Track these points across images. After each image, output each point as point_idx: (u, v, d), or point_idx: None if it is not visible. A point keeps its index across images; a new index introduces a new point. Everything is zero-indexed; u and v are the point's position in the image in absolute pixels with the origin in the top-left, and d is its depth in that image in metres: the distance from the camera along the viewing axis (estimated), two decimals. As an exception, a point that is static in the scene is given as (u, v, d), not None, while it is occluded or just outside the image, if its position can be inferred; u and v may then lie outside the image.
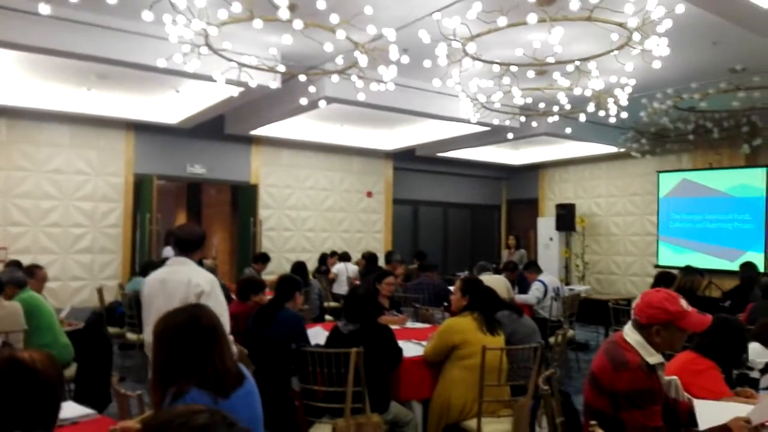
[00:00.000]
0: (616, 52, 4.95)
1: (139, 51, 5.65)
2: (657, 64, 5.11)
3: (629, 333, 2.36)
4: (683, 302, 2.34)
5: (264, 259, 8.33)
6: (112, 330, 6.56)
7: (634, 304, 2.46)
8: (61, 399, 1.47)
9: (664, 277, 5.78)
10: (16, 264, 5.80)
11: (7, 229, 7.99)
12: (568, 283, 10.89)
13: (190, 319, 2.02)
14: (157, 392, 1.97)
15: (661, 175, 10.43)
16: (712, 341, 2.71)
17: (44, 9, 3.83)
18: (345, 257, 9.20)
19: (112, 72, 6.44)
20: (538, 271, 7.24)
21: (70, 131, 8.42)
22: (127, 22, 5.44)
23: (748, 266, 6.90)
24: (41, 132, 8.23)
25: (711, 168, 9.79)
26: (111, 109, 8.07)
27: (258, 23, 4.24)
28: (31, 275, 4.97)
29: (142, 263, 7.75)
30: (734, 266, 8.36)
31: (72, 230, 8.44)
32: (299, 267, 7.74)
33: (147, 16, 4.13)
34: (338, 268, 8.93)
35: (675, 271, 6.07)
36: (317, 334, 4.28)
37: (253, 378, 2.13)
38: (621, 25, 4.51)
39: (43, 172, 8.25)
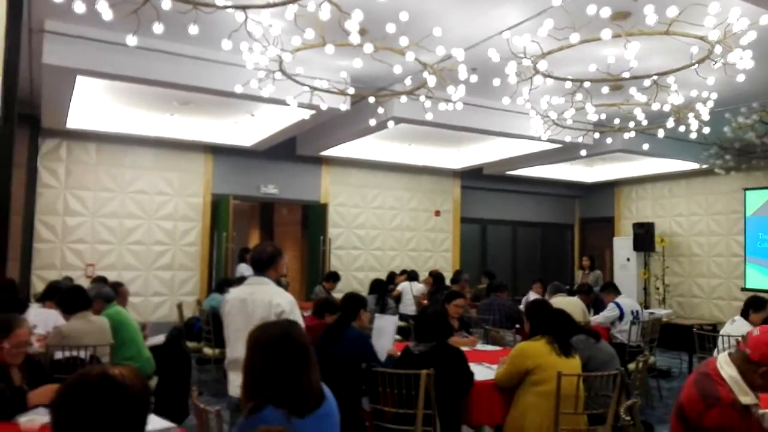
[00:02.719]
0: (696, 65, 4.74)
1: (217, 78, 5.93)
2: (741, 78, 4.86)
3: (725, 366, 2.21)
4: None
5: (335, 278, 8.44)
6: (190, 344, 6.81)
7: (745, 336, 2.27)
8: (148, 413, 1.53)
9: (756, 302, 5.42)
10: (102, 280, 6.16)
11: (95, 247, 8.50)
12: (647, 307, 10.39)
13: (285, 334, 2.06)
14: (247, 399, 2.01)
15: (747, 192, 9.84)
16: None
17: (131, 41, 4.08)
18: (412, 276, 9.17)
19: (193, 98, 6.77)
20: (616, 292, 6.94)
21: (153, 154, 8.91)
22: (207, 50, 5.72)
23: None
24: (126, 155, 8.75)
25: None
26: (191, 133, 8.49)
27: (330, 48, 4.35)
28: (115, 292, 5.24)
29: (219, 280, 8.03)
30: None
31: (154, 248, 8.88)
32: (378, 284, 7.77)
33: (226, 44, 4.32)
34: (403, 286, 8.91)
35: (765, 295, 5.68)
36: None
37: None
38: (701, 38, 4.32)
39: (128, 192, 8.75)
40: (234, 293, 3.38)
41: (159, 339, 5.26)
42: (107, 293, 4.83)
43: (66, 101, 6.64)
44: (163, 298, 8.89)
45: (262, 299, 3.15)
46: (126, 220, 8.72)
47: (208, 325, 6.50)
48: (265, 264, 3.31)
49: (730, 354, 2.26)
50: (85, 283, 6.50)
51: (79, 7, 3.61)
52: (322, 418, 2.05)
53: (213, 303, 6.81)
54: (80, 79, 5.93)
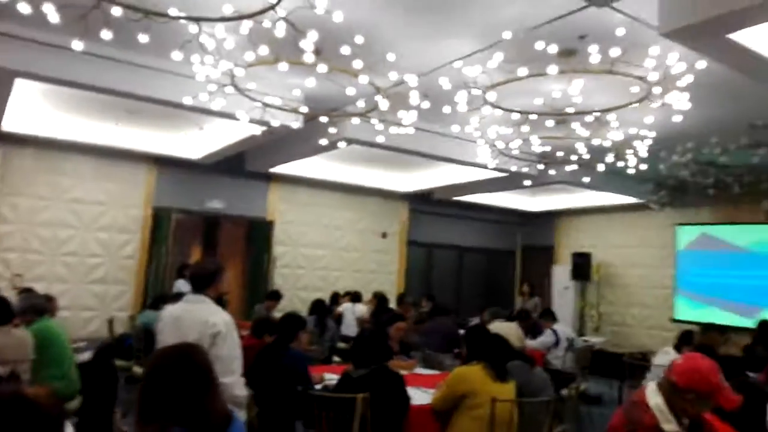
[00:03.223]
0: (636, 104, 4.98)
1: (167, 88, 5.79)
2: (677, 118, 5.14)
3: (652, 395, 2.29)
4: (721, 376, 2.28)
5: (276, 296, 8.30)
6: (119, 363, 6.52)
7: (670, 365, 2.36)
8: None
9: (687, 336, 5.66)
10: (28, 292, 5.84)
11: (24, 256, 8.09)
12: (582, 334, 10.69)
13: (184, 359, 1.99)
14: (138, 429, 1.92)
15: (679, 228, 10.33)
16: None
17: (78, 45, 3.96)
18: (356, 298, 9.11)
19: (141, 107, 6.59)
20: (554, 319, 7.13)
21: (94, 163, 8.59)
22: (157, 60, 5.58)
23: (765, 324, 6.72)
24: (65, 162, 8.40)
25: (731, 223, 9.67)
26: (136, 143, 8.24)
27: (284, 66, 4.35)
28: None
29: (155, 296, 7.77)
30: (752, 323, 8.18)
31: (88, 260, 8.51)
32: (318, 305, 7.68)
33: (176, 55, 4.25)
34: (345, 307, 8.83)
35: (693, 327, 5.95)
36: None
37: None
38: (641, 78, 4.55)
39: (64, 201, 8.39)
40: (169, 310, 3.28)
41: (85, 356, 5.01)
42: (39, 305, 4.57)
43: (2, 103, 6.34)
44: (94, 312, 8.50)
45: (198, 318, 3.06)
46: (60, 230, 8.34)
47: (140, 343, 6.26)
48: (204, 281, 3.22)
49: (658, 384, 2.34)
50: (10, 295, 6.16)
51: (24, 8, 3.48)
52: None
53: (146, 320, 6.57)
54: (20, 82, 5.68)
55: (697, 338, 5.57)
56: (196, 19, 3.73)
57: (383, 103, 5.13)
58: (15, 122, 7.29)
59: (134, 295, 8.83)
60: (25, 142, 8.02)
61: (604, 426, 2.60)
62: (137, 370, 6.33)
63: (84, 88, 5.71)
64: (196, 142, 8.23)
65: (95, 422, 4.30)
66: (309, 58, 4.14)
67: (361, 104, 5.53)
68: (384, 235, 11.38)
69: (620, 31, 4.00)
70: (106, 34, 3.73)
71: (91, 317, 8.47)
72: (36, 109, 7.03)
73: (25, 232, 8.11)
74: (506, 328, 6.14)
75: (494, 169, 7.76)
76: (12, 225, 8.03)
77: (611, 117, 5.39)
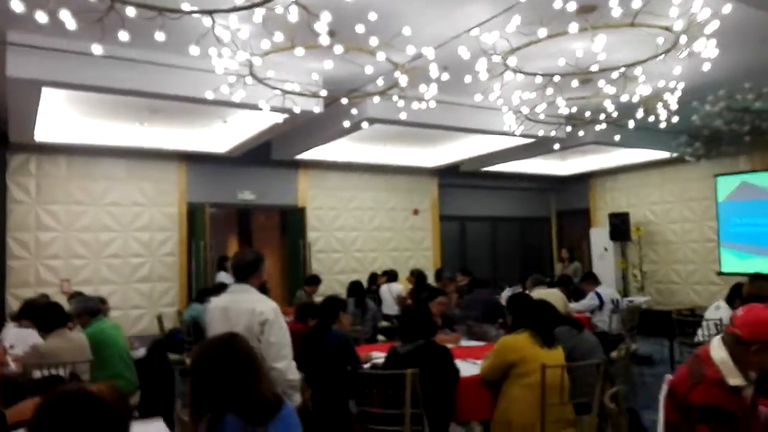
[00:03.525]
0: (662, 56, 4.82)
1: (187, 84, 5.84)
2: (706, 66, 4.96)
3: (716, 348, 2.25)
4: None
5: (315, 281, 8.41)
6: (172, 356, 6.71)
7: (731, 318, 2.32)
8: (129, 430, 1.50)
9: (739, 289, 5.51)
10: (79, 295, 6.04)
11: (69, 262, 8.34)
12: (626, 295, 10.54)
13: (226, 349, 2.03)
14: (194, 420, 1.98)
15: (718, 178, 10.04)
16: None
17: (97, 49, 4.02)
18: (391, 277, 9.11)
19: (164, 106, 6.68)
20: (596, 282, 7.03)
21: (125, 165, 8.76)
22: (176, 57, 5.63)
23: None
24: (98, 167, 8.59)
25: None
26: (163, 142, 8.37)
27: (300, 51, 4.33)
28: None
29: (198, 290, 7.95)
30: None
31: (131, 260, 8.74)
32: (355, 286, 7.75)
33: (194, 50, 4.27)
34: (382, 288, 8.88)
35: (741, 279, 5.80)
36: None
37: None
38: (666, 28, 4.39)
39: (101, 205, 8.59)
40: (216, 302, 3.34)
41: (140, 353, 5.17)
42: (93, 307, 4.73)
43: (33, 114, 6.50)
44: (142, 310, 8.75)
45: (245, 308, 3.11)
46: (101, 233, 8.57)
47: (190, 336, 6.42)
48: (246, 271, 3.27)
49: (722, 338, 2.30)
50: (61, 300, 6.38)
51: (42, 18, 3.54)
52: (284, 421, 2.02)
53: (193, 313, 6.74)
54: (46, 91, 5.80)
55: (746, 289, 5.42)
56: (209, 12, 3.74)
57: (403, 79, 5.08)
58: (45, 132, 7.47)
59: (179, 290, 9.04)
60: (57, 151, 8.22)
61: (657, 386, 2.56)
62: (189, 362, 6.50)
63: (107, 92, 5.81)
64: (222, 135, 8.32)
65: (156, 415, 4.44)
66: (324, 40, 4.11)
67: (380, 82, 5.49)
68: (416, 212, 11.36)
69: (641, -19, 3.86)
70: (123, 36, 3.77)
71: (141, 315, 8.71)
72: (64, 116, 7.19)
73: (68, 238, 8.35)
74: (550, 295, 6.09)
75: (521, 135, 7.63)
76: (54, 232, 8.27)
77: (638, 71, 5.23)
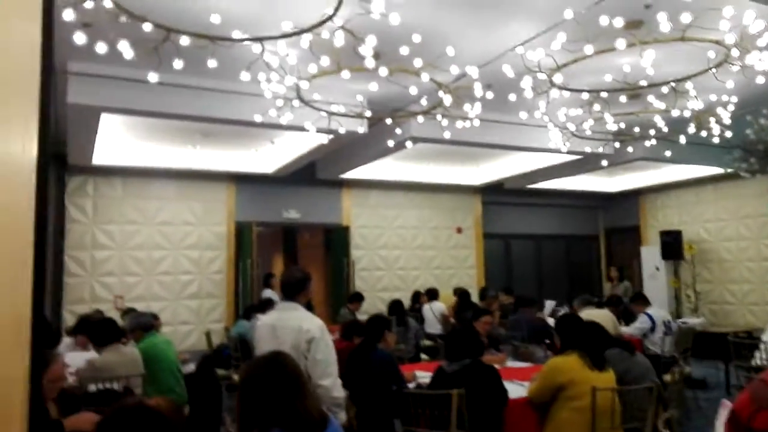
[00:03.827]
0: (714, 70, 4.71)
1: (238, 108, 6.03)
2: (760, 79, 4.82)
3: None
4: None
5: (358, 298, 8.45)
6: (219, 372, 6.84)
7: None
8: (184, 443, 1.55)
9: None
10: (132, 311, 6.24)
11: (123, 279, 8.63)
12: (679, 316, 10.19)
13: (273, 367, 2.07)
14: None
15: (775, 194, 9.64)
16: None
17: (153, 77, 4.20)
18: (432, 295, 9.03)
19: (215, 129, 6.90)
20: (646, 303, 6.81)
21: (176, 185, 9.06)
22: (227, 82, 5.83)
23: None
24: (151, 188, 8.92)
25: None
26: (213, 163, 8.62)
27: (345, 74, 4.42)
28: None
29: (245, 307, 8.09)
30: None
31: (181, 277, 8.98)
32: (395, 305, 7.76)
33: (244, 76, 4.41)
34: (423, 309, 8.82)
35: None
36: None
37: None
38: (717, 42, 4.30)
39: (154, 224, 8.89)
40: (264, 320, 3.40)
41: (189, 368, 5.29)
42: (146, 322, 4.89)
43: (91, 138, 6.81)
44: (191, 326, 8.96)
45: (292, 326, 3.16)
46: (153, 252, 8.85)
47: (237, 352, 6.53)
48: (294, 289, 3.32)
49: None
50: (114, 316, 6.60)
51: (102, 48, 3.73)
52: None
53: (240, 329, 6.86)
54: (104, 117, 6.08)
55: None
56: (259, 39, 3.87)
57: (447, 99, 5.11)
58: (103, 155, 7.81)
59: (227, 307, 9.23)
60: (112, 173, 8.58)
61: (711, 410, 2.47)
62: (236, 378, 6.60)
63: (161, 117, 6.05)
64: (269, 156, 8.51)
65: (204, 429, 4.53)
66: (369, 63, 4.19)
67: (424, 102, 5.54)
68: (459, 230, 11.30)
69: (689, -5, 3.80)
70: (177, 64, 3.93)
71: (190, 331, 8.93)
72: (120, 140, 7.50)
73: (122, 256, 8.66)
74: (599, 316, 5.95)
75: (568, 152, 7.53)
76: (109, 251, 8.60)
77: (688, 86, 5.13)
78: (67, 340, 5.84)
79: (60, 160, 8.05)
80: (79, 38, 3.63)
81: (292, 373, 2.08)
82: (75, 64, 5.42)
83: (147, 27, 3.59)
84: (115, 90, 5.56)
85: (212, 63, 4.11)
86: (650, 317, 6.43)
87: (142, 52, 3.78)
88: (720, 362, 7.45)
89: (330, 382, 3.09)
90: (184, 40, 3.75)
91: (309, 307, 3.37)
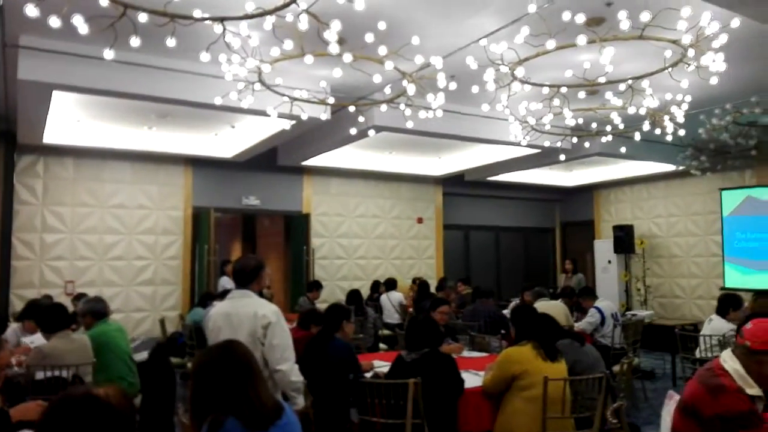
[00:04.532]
0: (670, 69, 4.83)
1: (196, 90, 5.89)
2: (714, 80, 4.96)
3: (728, 360, 2.27)
4: None
5: (317, 286, 8.41)
6: (173, 360, 6.72)
7: (740, 331, 2.36)
8: (133, 433, 1.51)
9: (734, 300, 5.51)
10: (82, 297, 6.05)
11: (74, 264, 8.36)
12: (629, 308, 10.52)
13: (225, 355, 2.06)
14: (194, 424, 2.00)
15: (723, 192, 10.01)
16: None
17: (108, 54, 4.04)
18: (390, 285, 9.03)
19: (171, 111, 6.72)
20: (594, 297, 6.99)
21: (131, 168, 8.81)
22: (186, 63, 5.68)
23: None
24: (104, 170, 8.64)
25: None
26: (170, 146, 8.41)
27: (309, 59, 4.36)
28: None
29: (201, 294, 7.96)
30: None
31: (135, 263, 8.76)
32: (353, 295, 7.77)
33: (204, 56, 4.29)
34: (381, 299, 8.86)
35: (742, 293, 5.78)
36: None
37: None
38: (674, 42, 4.40)
39: (107, 207, 8.63)
40: (218, 308, 3.36)
41: (142, 356, 5.18)
42: (99, 309, 4.74)
43: (42, 116, 6.55)
44: (145, 313, 8.76)
45: (247, 312, 3.14)
46: (106, 236, 8.60)
47: (192, 340, 6.43)
48: (248, 277, 3.30)
49: (732, 350, 2.31)
50: (64, 301, 6.39)
51: (55, 22, 3.57)
52: (286, 428, 2.03)
53: (196, 317, 6.75)
54: (56, 94, 5.85)
55: (749, 306, 5.41)
56: (220, 19, 3.76)
57: (410, 88, 5.10)
58: (53, 134, 7.52)
59: (182, 294, 9.06)
60: (64, 153, 8.27)
61: (659, 401, 2.56)
62: (190, 366, 6.51)
63: (116, 96, 5.85)
64: (229, 140, 8.35)
65: (156, 419, 4.44)
66: (333, 48, 4.13)
67: (388, 91, 5.51)
68: (420, 221, 11.37)
69: (650, -6, 3.88)
70: (134, 41, 3.79)
71: (143, 318, 8.73)
72: (72, 119, 7.24)
73: (73, 240, 8.38)
74: (552, 308, 6.09)
75: (527, 146, 7.64)
76: (59, 234, 8.31)
77: (645, 84, 5.24)
78: (13, 326, 5.64)
79: (9, 137, 7.72)
80: (31, 11, 3.46)
81: (245, 361, 2.06)
82: (26, 38, 5.19)
83: (103, 2, 3.45)
84: (68, 66, 5.35)
85: (171, 42, 3.97)
86: (599, 310, 6.61)
87: (97, 28, 3.63)
88: (667, 354, 7.74)
89: (288, 367, 3.09)
90: (142, 17, 3.62)
91: (261, 295, 3.35)
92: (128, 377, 4.57)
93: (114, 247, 8.63)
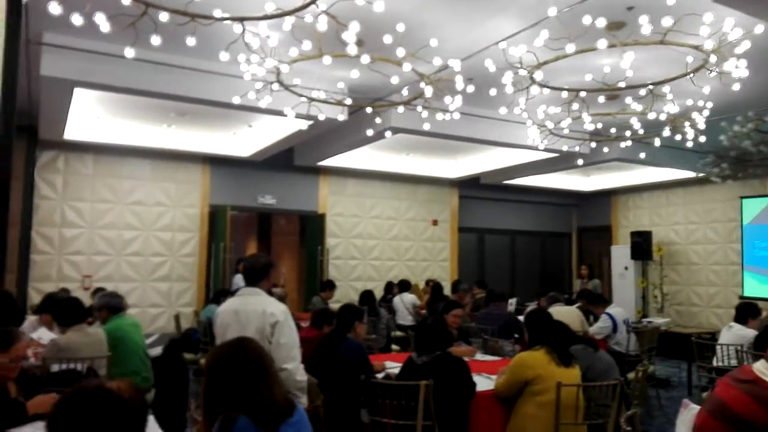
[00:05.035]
0: (692, 75, 4.77)
1: (215, 89, 5.94)
2: (736, 86, 4.89)
3: (765, 371, 2.22)
4: None
5: (331, 286, 8.43)
6: (187, 356, 6.77)
7: None
8: (145, 427, 1.52)
9: (752, 309, 5.42)
10: (100, 291, 6.12)
11: (92, 258, 8.47)
12: (645, 315, 10.40)
13: (238, 353, 2.06)
14: (207, 421, 2.01)
15: (744, 200, 9.86)
16: None
17: (129, 53, 4.09)
18: (404, 287, 9.04)
19: (190, 109, 6.78)
20: (606, 303, 6.89)
21: (150, 165, 8.90)
22: (205, 62, 5.74)
23: None
24: (124, 166, 8.74)
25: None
26: (188, 144, 8.49)
27: (327, 60, 4.37)
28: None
29: (216, 291, 8.01)
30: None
31: (151, 259, 8.85)
32: (367, 296, 7.77)
33: (223, 56, 4.33)
34: (394, 301, 8.85)
35: (760, 303, 5.68)
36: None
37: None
38: (696, 47, 4.35)
39: (125, 204, 8.73)
40: (226, 305, 3.38)
41: (156, 351, 5.22)
42: (114, 303, 4.79)
43: (63, 113, 6.64)
44: (160, 309, 8.85)
45: (256, 310, 3.16)
46: (123, 232, 8.70)
47: (206, 336, 6.47)
48: (257, 275, 3.32)
49: (766, 360, 2.25)
50: (82, 295, 6.47)
51: (77, 20, 3.62)
52: (296, 426, 2.03)
53: (209, 314, 6.78)
54: (77, 91, 5.93)
55: (767, 315, 5.32)
56: (240, 19, 3.79)
57: (428, 90, 5.09)
58: (74, 130, 7.63)
59: (197, 290, 9.13)
60: (85, 149, 8.38)
61: (673, 409, 2.51)
62: (204, 362, 6.54)
63: (136, 93, 5.92)
64: (246, 140, 8.41)
65: (169, 414, 4.48)
66: (352, 50, 4.14)
67: (405, 93, 5.51)
68: (435, 223, 11.35)
69: (671, 0, 3.83)
70: (155, 40, 3.83)
71: (159, 313, 8.81)
72: (93, 116, 7.33)
73: (91, 235, 8.49)
74: (566, 313, 6.03)
75: (545, 150, 7.59)
76: (78, 229, 8.42)
77: (666, 89, 5.19)
78: (31, 318, 5.72)
79: (31, 133, 7.84)
80: (54, 8, 3.52)
81: (258, 359, 2.07)
82: (49, 35, 5.27)
83: (125, 0, 3.50)
84: (90, 64, 5.42)
85: (191, 41, 4.02)
86: (611, 317, 6.53)
87: (118, 27, 3.68)
88: (683, 362, 7.63)
89: (293, 366, 3.10)
90: (163, 16, 3.66)
91: (270, 294, 3.37)
92: (142, 372, 4.61)
93: (131, 243, 8.73)
